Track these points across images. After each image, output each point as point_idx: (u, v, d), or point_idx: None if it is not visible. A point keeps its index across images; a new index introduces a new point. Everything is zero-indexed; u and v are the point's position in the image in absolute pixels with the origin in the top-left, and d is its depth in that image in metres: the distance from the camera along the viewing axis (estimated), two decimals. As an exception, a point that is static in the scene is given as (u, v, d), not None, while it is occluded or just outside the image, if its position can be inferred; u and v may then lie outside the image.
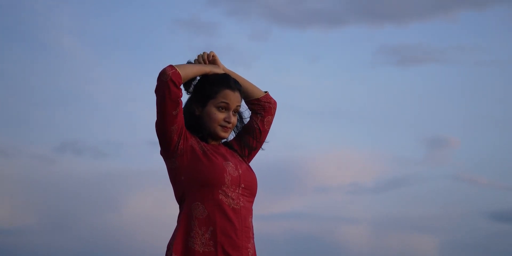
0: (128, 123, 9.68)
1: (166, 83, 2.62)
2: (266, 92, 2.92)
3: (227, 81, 2.77)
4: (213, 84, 2.76)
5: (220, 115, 2.76)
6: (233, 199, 2.70)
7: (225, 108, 2.77)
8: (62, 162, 9.49)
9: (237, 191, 2.72)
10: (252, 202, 2.78)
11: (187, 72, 2.69)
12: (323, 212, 9.36)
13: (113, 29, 10.14)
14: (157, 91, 2.66)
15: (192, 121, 2.78)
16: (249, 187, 2.76)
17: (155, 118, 2.69)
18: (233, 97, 2.77)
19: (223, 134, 2.78)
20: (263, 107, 2.90)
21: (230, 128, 2.79)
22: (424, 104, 10.24)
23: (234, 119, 2.79)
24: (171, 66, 2.66)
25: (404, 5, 9.93)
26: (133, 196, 9.38)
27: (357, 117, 10.05)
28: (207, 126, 2.78)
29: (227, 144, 2.87)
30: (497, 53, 10.11)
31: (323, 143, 9.72)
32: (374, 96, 10.23)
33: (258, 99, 2.89)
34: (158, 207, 9.26)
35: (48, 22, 10.06)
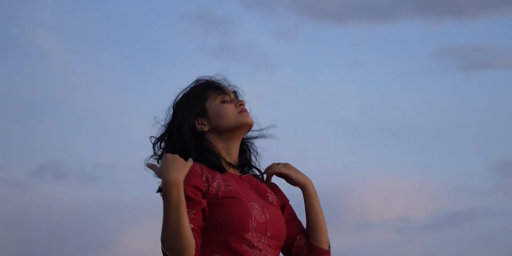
0: (122, 141, 9.40)
1: None
2: (329, 248, 2.79)
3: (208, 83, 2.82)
4: (192, 93, 2.71)
5: (229, 106, 2.69)
6: (260, 250, 2.53)
7: (227, 100, 2.70)
8: (40, 188, 9.35)
9: (262, 240, 2.56)
10: None
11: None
12: (366, 253, 8.92)
13: (104, 24, 9.83)
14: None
15: (202, 145, 2.62)
16: (277, 237, 2.58)
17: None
18: (225, 89, 2.79)
19: (248, 119, 2.68)
20: (306, 254, 2.74)
21: (246, 110, 2.72)
22: (494, 120, 9.80)
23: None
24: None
25: (469, -4, 9.73)
26: (127, 231, 9.14)
27: (408, 136, 9.74)
28: (226, 126, 2.66)
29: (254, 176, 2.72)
30: None
31: (366, 167, 9.36)
32: (430, 110, 9.90)
33: (311, 245, 2.71)
34: (158, 245, 9.02)
35: (22, 15, 9.76)
